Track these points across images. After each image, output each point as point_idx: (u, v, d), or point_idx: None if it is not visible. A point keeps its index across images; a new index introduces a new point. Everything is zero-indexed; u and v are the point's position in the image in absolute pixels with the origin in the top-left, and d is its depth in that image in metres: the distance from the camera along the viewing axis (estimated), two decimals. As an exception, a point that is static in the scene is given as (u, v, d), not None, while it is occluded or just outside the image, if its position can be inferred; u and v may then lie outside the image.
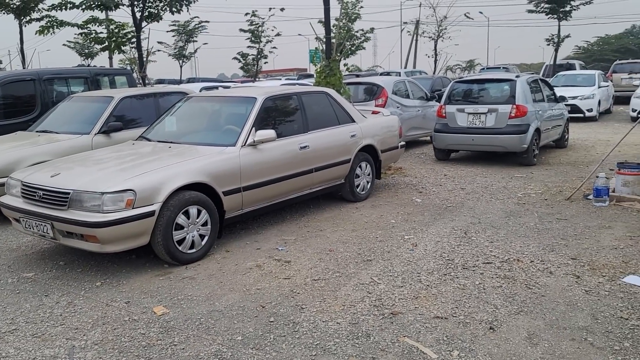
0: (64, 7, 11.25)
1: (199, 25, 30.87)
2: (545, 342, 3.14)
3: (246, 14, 26.08)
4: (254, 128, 5.25)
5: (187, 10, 12.33)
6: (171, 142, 5.35)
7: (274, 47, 28.68)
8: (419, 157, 10.36)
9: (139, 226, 4.16)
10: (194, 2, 12.42)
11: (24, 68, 15.72)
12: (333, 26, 25.20)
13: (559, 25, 22.98)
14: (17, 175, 4.74)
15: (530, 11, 23.20)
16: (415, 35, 32.57)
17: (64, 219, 4.10)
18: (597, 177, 6.37)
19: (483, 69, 29.60)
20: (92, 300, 3.84)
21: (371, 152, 6.88)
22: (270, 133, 5.25)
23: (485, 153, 9.71)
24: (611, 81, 19.06)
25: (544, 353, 3.02)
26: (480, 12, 38.39)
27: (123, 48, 12.32)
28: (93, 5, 11.32)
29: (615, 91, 18.73)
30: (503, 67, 25.61)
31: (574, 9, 22.23)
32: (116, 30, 12.05)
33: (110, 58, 28.15)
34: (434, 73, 24.50)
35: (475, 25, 49.24)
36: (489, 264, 4.42)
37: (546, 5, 22.41)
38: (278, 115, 5.85)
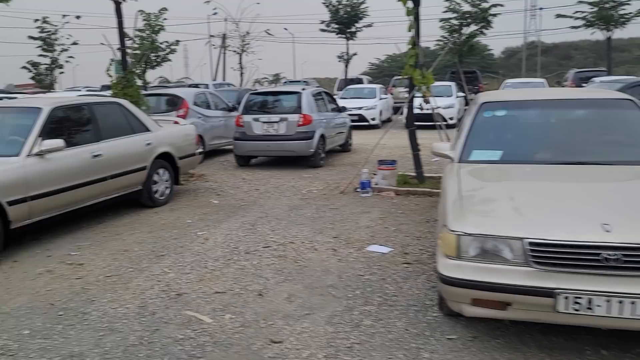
0: None
1: (-22, 30, 27.48)
2: (300, 299, 3.97)
3: (36, 20, 24.04)
4: (40, 138, 5.31)
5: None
6: (-54, 155, 5.12)
7: (71, 57, 26.84)
8: (221, 164, 10.99)
9: None
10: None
11: None
12: (136, 37, 24.58)
13: (347, 44, 25.89)
14: None
15: (322, 30, 25.73)
16: (222, 49, 33.28)
17: None
18: (362, 173, 7.71)
19: (286, 82, 31.64)
20: None
21: (169, 159, 7.29)
22: (57, 142, 5.36)
23: (280, 158, 10.75)
24: (391, 94, 22.09)
25: (297, 306, 3.84)
26: (285, 29, 41.01)
27: None
28: None
29: (395, 102, 21.72)
30: (303, 81, 27.78)
31: (359, 30, 25.28)
32: None
33: None
34: (240, 85, 25.50)
35: (280, 41, 52.06)
36: (267, 248, 5.21)
37: (335, 26, 25.09)
38: (68, 124, 5.94)
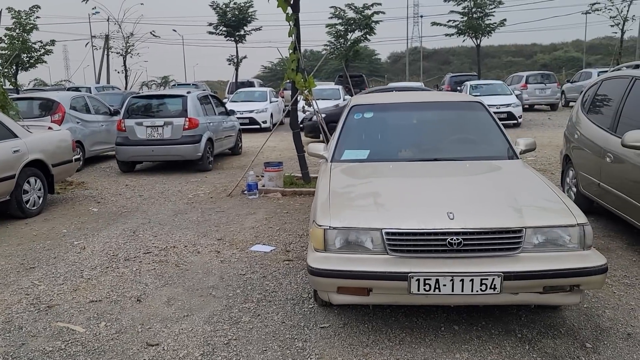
0: None
1: None
2: (179, 302, 3.98)
3: None
4: None
5: None
6: None
7: None
8: (104, 170, 10.52)
9: None
10: None
11: None
12: (5, 36, 22.71)
13: (237, 47, 25.81)
14: None
15: (210, 32, 25.43)
16: (105, 50, 31.66)
17: None
18: (249, 175, 7.80)
19: (174, 85, 30.82)
20: None
21: (41, 166, 6.87)
22: None
23: (167, 162, 10.52)
24: (282, 98, 22.38)
25: (176, 309, 3.85)
26: (174, 30, 39.88)
27: None
28: None
29: (285, 106, 22.02)
30: (193, 84, 27.24)
31: (248, 34, 25.33)
32: None
33: None
34: (125, 88, 24.42)
35: (169, 43, 50.47)
36: (148, 254, 5.12)
37: (224, 29, 24.92)
38: None
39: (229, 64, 26.27)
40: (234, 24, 24.36)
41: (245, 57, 26.49)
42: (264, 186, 7.98)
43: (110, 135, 11.42)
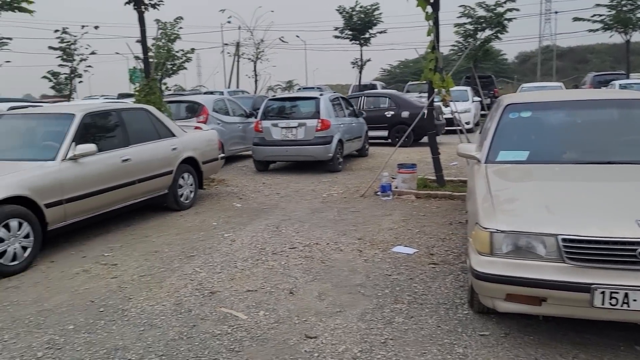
0: None
1: (-1, 41, 27.99)
2: (330, 297, 4.06)
3: (56, 30, 24.48)
4: (73, 143, 5.48)
5: (-13, 25, 11.49)
6: (-15, 159, 5.30)
7: (89, 66, 27.27)
8: (240, 169, 11.14)
9: (-45, 241, 4.18)
10: (-5, 16, 11.64)
11: None
12: (152, 45, 25.05)
13: (361, 50, 26.05)
14: None
15: (336, 37, 25.92)
16: (236, 57, 33.62)
17: None
18: (382, 176, 7.79)
19: (299, 88, 31.88)
20: None
21: (193, 163, 7.44)
22: (90, 147, 5.53)
23: (299, 162, 10.87)
24: (405, 100, 22.13)
25: (328, 304, 3.93)
26: (297, 36, 41.34)
27: None
28: None
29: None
30: (317, 88, 27.96)
31: (373, 36, 25.46)
32: None
33: None
34: (255, 92, 25.74)
35: (293, 48, 52.47)
36: (293, 249, 5.31)
37: (349, 32, 25.28)
38: (98, 130, 6.10)
39: (353, 67, 26.61)
40: (359, 27, 24.62)
41: (369, 59, 26.67)
42: (396, 188, 7.91)
43: (246, 136, 12.10)
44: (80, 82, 29.55)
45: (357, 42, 25.46)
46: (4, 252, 4.58)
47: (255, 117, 12.61)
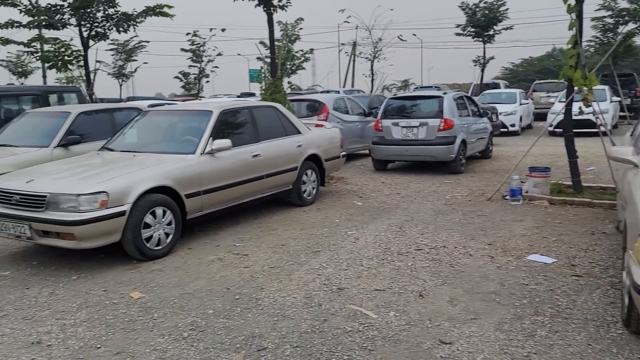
0: (10, 26, 11.35)
1: (139, 44, 30.82)
2: (462, 303, 3.89)
3: (187, 33, 26.35)
4: (211, 138, 5.81)
5: (134, 30, 12.68)
6: (135, 152, 5.81)
7: (216, 67, 29.04)
8: (358, 168, 11.16)
9: (112, 224, 4.62)
10: (140, 22, 12.78)
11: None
12: (275, 46, 25.94)
13: (484, 48, 24.93)
14: (-10, 182, 5.07)
15: (458, 34, 25.05)
16: (352, 56, 33.89)
17: (43, 219, 4.50)
18: (512, 179, 7.36)
19: (416, 87, 31.33)
20: (72, 290, 4.26)
21: (316, 160, 7.57)
22: (226, 142, 5.83)
23: (418, 162, 10.64)
24: (531, 99, 20.82)
25: (461, 310, 3.76)
26: (414, 35, 40.61)
27: (69, 66, 12.49)
28: (41, 25, 11.48)
29: (535, 108, 20.43)
30: (435, 87, 27.28)
31: (497, 33, 24.24)
32: (62, 49, 12.23)
33: (44, 77, 27.63)
34: (371, 92, 25.75)
35: (409, 47, 51.68)
36: (419, 251, 5.17)
37: (472, 29, 24.31)
38: (232, 126, 6.43)
39: (475, 65, 25.59)
40: (483, 24, 23.60)
41: (492, 57, 25.47)
42: (527, 192, 7.43)
43: (364, 135, 12.10)
44: (207, 82, 31.53)
45: (480, 39, 24.41)
46: (150, 237, 4.98)
47: (374, 116, 12.62)
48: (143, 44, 30.72)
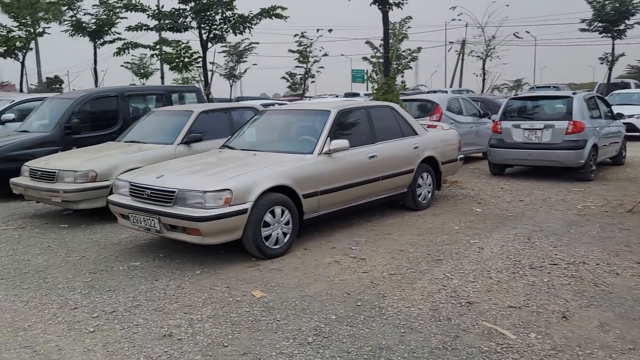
0: (139, 29, 12.19)
1: (249, 46, 32.05)
2: (616, 329, 3.41)
3: (295, 35, 26.91)
4: (329, 138, 5.71)
5: (250, 32, 13.08)
6: (255, 150, 5.88)
7: (322, 67, 29.38)
8: (473, 171, 10.59)
9: (234, 222, 4.66)
10: (256, 24, 13.16)
11: (96, 87, 16.89)
12: (380, 46, 25.78)
13: (613, 44, 22.78)
14: (125, 177, 5.36)
15: (582, 30, 23.09)
16: (461, 55, 32.72)
17: (171, 214, 4.65)
18: (658, 189, 6.52)
19: (532, 87, 29.45)
20: (196, 284, 4.35)
21: (432, 163, 7.23)
22: (343, 142, 5.70)
23: (540, 168, 9.86)
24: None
25: (615, 338, 3.29)
26: (527, 32, 38.12)
27: (189, 67, 13.17)
28: (165, 28, 12.21)
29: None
30: (553, 87, 25.44)
31: (629, 28, 22.03)
32: (184, 51, 12.91)
33: (162, 77, 29.62)
34: (482, 92, 24.61)
35: (521, 45, 48.85)
36: (555, 265, 4.69)
37: (600, 24, 22.29)
38: (349, 126, 6.29)
39: (601, 63, 23.50)
40: (612, 19, 21.57)
41: (623, 54, 23.25)
42: (676, 205, 6.55)
43: (478, 137, 11.48)
44: (313, 82, 32.06)
45: (609, 35, 22.34)
46: (269, 235, 4.97)
47: (488, 118, 11.94)
48: (253, 45, 31.93)
